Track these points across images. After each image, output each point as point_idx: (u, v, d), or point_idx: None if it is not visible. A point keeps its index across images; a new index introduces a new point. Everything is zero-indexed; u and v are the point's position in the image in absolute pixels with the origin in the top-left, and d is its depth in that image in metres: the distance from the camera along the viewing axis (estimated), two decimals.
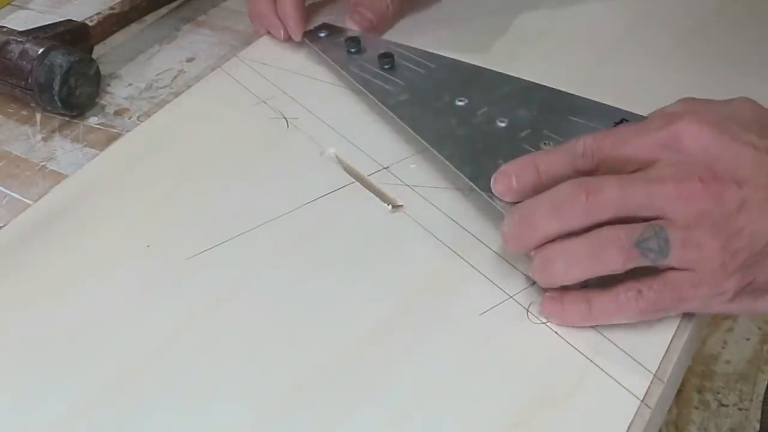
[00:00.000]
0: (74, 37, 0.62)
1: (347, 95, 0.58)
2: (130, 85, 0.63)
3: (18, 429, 0.38)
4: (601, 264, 0.39)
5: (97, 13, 0.65)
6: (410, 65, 0.57)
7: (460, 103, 0.52)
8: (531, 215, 0.41)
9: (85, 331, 0.42)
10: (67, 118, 0.59)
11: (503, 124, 0.50)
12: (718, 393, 1.21)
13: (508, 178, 0.43)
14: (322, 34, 0.61)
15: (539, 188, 0.42)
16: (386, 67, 0.57)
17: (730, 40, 0.61)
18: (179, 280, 0.45)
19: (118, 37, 0.66)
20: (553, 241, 0.40)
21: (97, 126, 0.58)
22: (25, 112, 0.60)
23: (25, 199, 0.52)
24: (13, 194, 0.53)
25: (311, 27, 0.62)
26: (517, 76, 0.54)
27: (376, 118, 0.55)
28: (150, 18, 0.69)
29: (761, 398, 1.16)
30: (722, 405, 1.20)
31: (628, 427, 0.37)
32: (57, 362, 0.41)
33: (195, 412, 0.39)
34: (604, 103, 0.50)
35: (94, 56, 0.62)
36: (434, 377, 0.39)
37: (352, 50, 0.59)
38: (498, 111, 0.51)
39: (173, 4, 0.71)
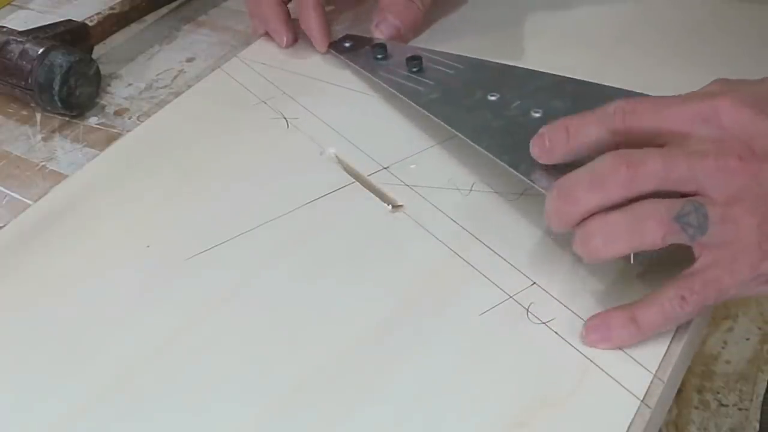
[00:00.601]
0: (74, 37, 0.62)
1: (347, 95, 0.58)
2: (130, 85, 0.63)
3: (18, 429, 0.38)
4: (641, 238, 0.39)
5: (97, 13, 0.65)
6: (438, 67, 0.57)
7: (492, 98, 0.52)
8: (571, 189, 0.40)
9: (85, 331, 0.42)
10: (67, 118, 0.59)
11: (538, 115, 0.50)
12: (718, 393, 1.21)
13: (542, 139, 0.43)
14: (347, 44, 0.61)
15: (570, 148, 0.42)
16: (414, 69, 0.57)
17: (727, 42, 0.61)
18: (179, 280, 0.45)
19: (118, 37, 0.66)
20: (593, 216, 0.40)
21: (97, 126, 0.58)
22: (25, 112, 0.60)
23: (25, 199, 0.52)
24: (13, 194, 0.53)
25: (333, 39, 0.62)
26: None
27: (376, 118, 0.55)
28: (150, 18, 0.69)
29: (761, 398, 1.16)
30: (722, 405, 1.20)
31: (628, 427, 0.37)
32: (57, 362, 0.41)
33: (195, 412, 0.39)
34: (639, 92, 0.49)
35: (94, 56, 0.62)
36: (434, 377, 0.39)
37: (379, 56, 0.59)
38: (531, 103, 0.51)
39: (173, 4, 0.71)
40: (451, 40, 0.62)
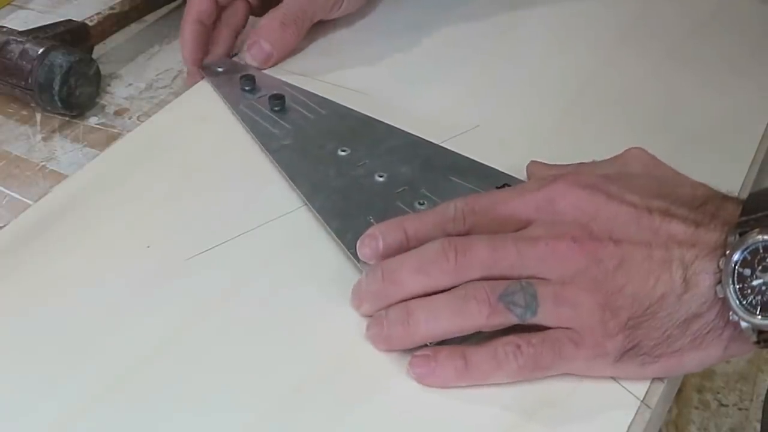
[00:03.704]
0: (74, 37, 0.62)
1: (347, 95, 0.58)
2: (130, 85, 0.63)
3: (18, 429, 0.38)
4: (464, 318, 0.38)
5: (97, 13, 0.65)
6: (301, 109, 0.55)
7: (343, 153, 0.51)
8: (396, 271, 0.40)
9: (85, 331, 0.42)
10: (67, 118, 0.59)
11: (381, 179, 0.49)
12: (718, 393, 1.21)
13: (375, 240, 0.41)
14: (220, 69, 0.60)
15: (406, 251, 0.41)
16: (276, 108, 0.55)
17: (726, 43, 0.61)
18: (179, 280, 0.45)
19: (118, 37, 0.66)
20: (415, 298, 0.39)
21: (97, 126, 0.58)
22: (25, 112, 0.60)
23: (25, 199, 0.52)
24: (13, 194, 0.53)
25: (212, 60, 0.61)
26: (404, 130, 0.53)
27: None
28: (150, 18, 0.69)
29: (761, 398, 1.16)
30: (722, 405, 1.19)
31: (628, 427, 0.37)
32: (57, 362, 0.41)
33: (195, 412, 0.39)
34: (489, 165, 0.49)
35: (94, 56, 0.62)
36: None
37: (246, 88, 0.57)
38: (379, 165, 0.50)
39: (173, 4, 0.71)
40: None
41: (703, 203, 0.38)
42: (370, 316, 0.41)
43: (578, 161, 0.46)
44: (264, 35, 0.60)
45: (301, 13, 0.60)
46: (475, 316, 0.38)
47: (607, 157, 0.47)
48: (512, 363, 0.37)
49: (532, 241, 0.38)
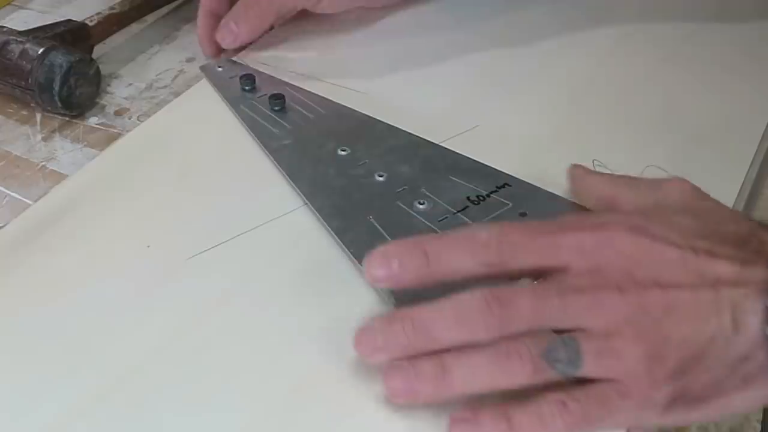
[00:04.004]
0: (74, 37, 0.62)
1: (348, 94, 0.58)
2: (130, 85, 0.63)
3: (18, 429, 0.38)
4: (505, 377, 0.36)
5: (97, 13, 0.65)
6: (300, 108, 0.56)
7: (342, 153, 0.51)
8: (431, 324, 0.36)
9: (85, 331, 0.42)
10: (67, 118, 0.59)
11: (381, 179, 0.49)
12: None
13: (388, 261, 0.37)
14: (220, 69, 0.60)
15: (427, 278, 0.37)
16: (276, 108, 0.55)
17: (726, 44, 0.61)
18: (179, 280, 0.45)
19: (118, 37, 0.66)
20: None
21: (97, 126, 0.58)
22: (25, 112, 0.60)
23: (25, 199, 0.52)
24: (13, 194, 0.53)
25: (212, 60, 0.62)
26: (406, 130, 0.53)
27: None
28: (150, 18, 0.69)
29: None
30: None
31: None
32: (57, 362, 0.41)
33: (195, 413, 0.39)
34: (489, 165, 0.49)
35: (94, 56, 0.62)
36: None
37: (246, 88, 0.57)
38: (379, 164, 0.50)
39: (173, 4, 0.71)
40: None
41: (747, 240, 0.37)
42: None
43: (578, 161, 0.46)
44: (231, 16, 0.61)
45: None
46: (517, 375, 0.36)
47: (607, 156, 0.47)
48: (558, 422, 0.35)
49: (577, 292, 0.36)
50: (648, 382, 0.35)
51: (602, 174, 0.45)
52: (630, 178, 0.43)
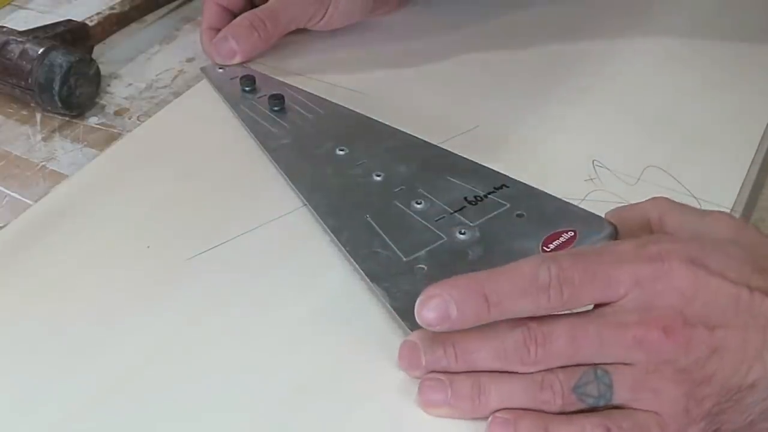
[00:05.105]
0: (74, 37, 0.62)
1: (348, 94, 0.58)
2: (130, 85, 0.63)
3: (18, 429, 0.38)
4: (537, 405, 0.36)
5: (97, 13, 0.65)
6: (300, 108, 0.56)
7: (341, 153, 0.51)
8: (472, 355, 0.37)
9: (85, 331, 0.42)
10: (67, 118, 0.59)
11: (379, 178, 0.49)
12: None
13: (445, 306, 0.36)
14: (220, 69, 0.60)
15: (485, 323, 0.37)
16: (275, 108, 0.56)
17: (726, 44, 0.61)
18: (179, 280, 0.45)
19: (118, 37, 0.66)
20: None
21: (97, 126, 0.58)
22: (25, 112, 0.60)
23: (25, 199, 0.52)
24: (13, 194, 0.53)
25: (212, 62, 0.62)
26: (404, 132, 0.53)
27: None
28: (150, 18, 0.69)
29: None
30: None
31: None
32: (56, 363, 0.41)
33: (194, 413, 0.39)
34: (488, 166, 0.49)
35: (94, 56, 0.62)
36: None
37: (246, 88, 0.58)
38: (377, 164, 0.50)
39: (173, 4, 0.71)
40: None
41: None
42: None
43: (578, 162, 0.46)
44: (232, 32, 0.60)
45: (273, 18, 0.60)
46: (549, 405, 0.36)
47: (607, 156, 0.47)
48: None
49: (620, 330, 0.36)
50: (684, 419, 0.35)
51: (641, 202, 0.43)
52: (670, 200, 0.42)
